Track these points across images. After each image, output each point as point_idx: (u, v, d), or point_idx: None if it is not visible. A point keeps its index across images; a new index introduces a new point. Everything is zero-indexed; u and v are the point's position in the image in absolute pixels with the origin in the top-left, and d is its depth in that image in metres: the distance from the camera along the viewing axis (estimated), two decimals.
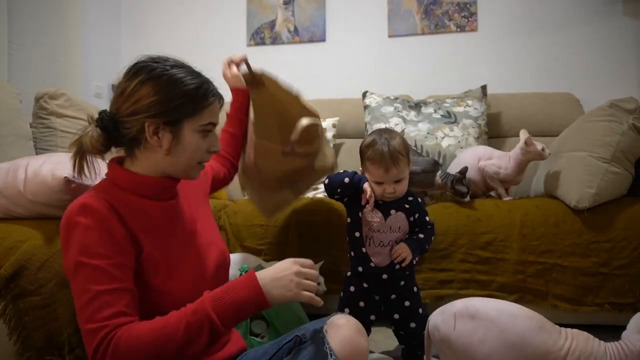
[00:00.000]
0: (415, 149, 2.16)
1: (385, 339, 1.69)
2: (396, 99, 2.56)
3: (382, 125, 2.44)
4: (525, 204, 1.88)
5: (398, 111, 2.48)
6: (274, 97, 1.52)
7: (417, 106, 2.51)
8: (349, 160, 2.52)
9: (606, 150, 1.78)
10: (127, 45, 3.18)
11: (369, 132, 2.49)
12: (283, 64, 2.99)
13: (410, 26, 2.90)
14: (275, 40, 3.06)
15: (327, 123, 2.55)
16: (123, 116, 0.98)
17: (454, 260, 1.80)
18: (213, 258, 1.08)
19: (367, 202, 1.39)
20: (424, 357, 1.40)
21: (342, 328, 0.97)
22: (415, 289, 1.46)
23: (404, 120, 2.44)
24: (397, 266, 1.40)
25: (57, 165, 1.46)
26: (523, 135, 1.97)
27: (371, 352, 1.61)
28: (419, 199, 1.47)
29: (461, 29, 2.84)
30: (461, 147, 2.33)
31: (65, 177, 1.41)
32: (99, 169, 1.02)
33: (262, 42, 3.08)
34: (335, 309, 1.50)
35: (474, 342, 1.14)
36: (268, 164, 1.49)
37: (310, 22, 3.02)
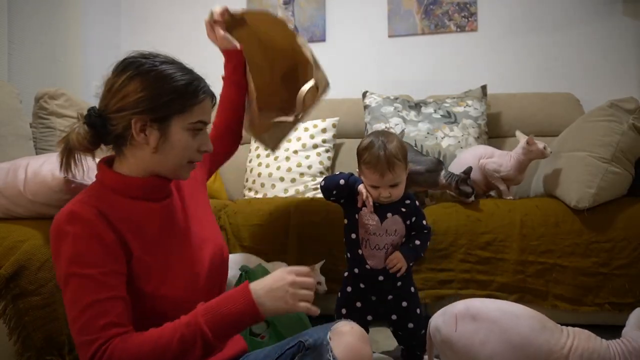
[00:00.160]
0: (417, 149, 2.16)
1: (385, 339, 1.69)
2: (396, 99, 2.56)
3: (382, 126, 2.44)
4: (525, 204, 1.88)
5: (398, 111, 2.48)
6: (261, 33, 1.47)
7: (417, 106, 2.51)
8: (349, 161, 2.52)
9: (606, 150, 1.78)
10: (128, 45, 3.18)
11: (368, 132, 2.49)
12: None
13: (410, 26, 2.90)
14: None
15: (327, 123, 2.55)
16: (111, 112, 0.95)
17: (454, 260, 1.80)
18: (208, 255, 1.06)
19: (364, 205, 1.38)
20: (426, 358, 1.41)
21: (346, 335, 0.95)
22: (412, 289, 1.45)
23: (404, 120, 2.44)
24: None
25: (57, 165, 1.46)
26: (520, 136, 1.97)
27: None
28: (417, 203, 1.45)
29: (461, 29, 2.84)
30: (461, 147, 2.33)
31: (65, 177, 1.41)
32: (87, 167, 1.00)
33: None
34: (334, 308, 1.50)
35: (476, 343, 1.14)
36: (271, 106, 1.49)
37: (310, 22, 3.02)
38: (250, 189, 2.49)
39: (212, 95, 1.04)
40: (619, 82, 2.64)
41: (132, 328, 0.87)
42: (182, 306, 0.93)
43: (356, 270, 1.43)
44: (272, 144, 1.71)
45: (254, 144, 2.62)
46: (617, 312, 1.70)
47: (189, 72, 1.00)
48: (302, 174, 2.42)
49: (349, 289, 1.46)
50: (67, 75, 2.66)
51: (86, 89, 2.79)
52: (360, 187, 1.38)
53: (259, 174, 2.47)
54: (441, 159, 2.35)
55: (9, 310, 1.24)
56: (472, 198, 1.88)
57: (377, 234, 1.39)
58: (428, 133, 2.38)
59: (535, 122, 2.47)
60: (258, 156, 2.54)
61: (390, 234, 1.40)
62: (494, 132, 2.53)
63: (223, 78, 1.45)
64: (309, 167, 2.44)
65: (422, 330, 1.42)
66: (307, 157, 2.46)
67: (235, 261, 1.69)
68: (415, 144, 2.34)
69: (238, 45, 1.44)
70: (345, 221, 1.45)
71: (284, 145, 2.50)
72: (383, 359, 1.60)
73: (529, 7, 2.77)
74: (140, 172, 0.99)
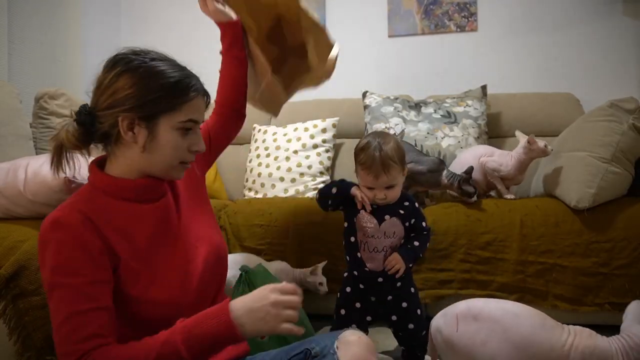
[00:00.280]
0: (419, 149, 2.16)
1: (385, 339, 1.69)
2: (396, 99, 2.56)
3: (382, 126, 2.44)
4: (525, 204, 1.88)
5: (398, 111, 2.48)
6: None
7: (417, 106, 2.51)
8: (349, 161, 2.52)
9: (606, 150, 1.78)
10: (128, 45, 3.16)
11: (368, 132, 2.49)
12: None
13: (410, 26, 2.90)
14: None
15: (327, 123, 2.55)
16: (99, 110, 0.93)
17: (454, 260, 1.80)
18: (202, 255, 1.02)
19: (364, 207, 1.37)
20: (427, 359, 1.40)
21: (353, 346, 0.93)
22: (412, 289, 1.45)
23: (404, 120, 2.44)
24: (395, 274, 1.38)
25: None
26: (520, 136, 1.97)
27: None
28: (416, 204, 1.44)
29: (461, 29, 2.84)
30: (461, 147, 2.33)
31: (66, 177, 1.41)
32: (79, 165, 0.99)
33: None
34: (333, 308, 1.50)
35: (477, 343, 1.14)
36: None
37: None
38: (250, 189, 2.49)
39: (205, 94, 1.00)
40: (619, 82, 2.64)
41: (113, 340, 0.84)
42: (173, 309, 0.91)
43: (355, 272, 1.43)
44: (276, 110, 1.61)
45: (254, 144, 2.62)
46: (617, 312, 1.69)
47: (181, 69, 0.97)
48: (302, 174, 2.42)
49: (348, 289, 1.45)
50: (67, 75, 2.66)
51: (86, 89, 2.79)
52: (354, 190, 1.37)
53: (259, 174, 2.47)
54: (441, 158, 2.35)
55: (9, 310, 1.24)
56: (475, 198, 1.88)
57: (375, 237, 1.39)
58: (428, 133, 2.38)
59: (535, 122, 2.47)
60: (258, 156, 2.54)
61: (388, 236, 1.39)
62: (494, 132, 2.53)
63: (221, 53, 1.36)
64: (309, 167, 2.44)
65: (422, 331, 1.41)
66: (307, 157, 2.46)
67: (236, 261, 1.69)
68: (415, 144, 2.34)
69: (234, 16, 1.36)
70: (345, 224, 1.45)
71: (284, 145, 2.50)
72: (383, 359, 1.60)
73: (529, 7, 2.77)
74: (132, 173, 0.97)
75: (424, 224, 1.44)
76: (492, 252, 1.78)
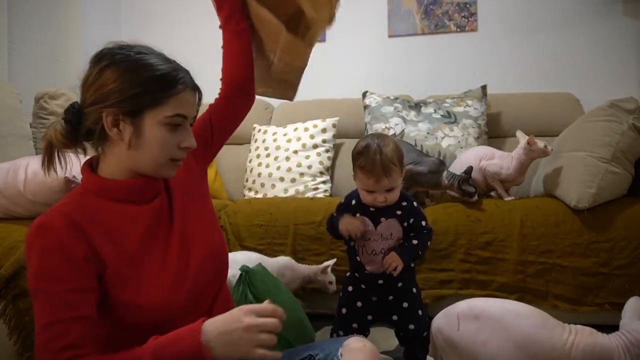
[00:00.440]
0: (419, 149, 2.16)
1: (385, 339, 1.69)
2: (396, 99, 2.56)
3: (382, 126, 2.44)
4: (525, 204, 1.88)
5: (398, 111, 2.48)
6: None
7: (417, 106, 2.51)
8: (348, 161, 2.51)
9: (606, 150, 1.78)
10: None
11: (368, 132, 2.49)
12: None
13: (410, 26, 2.90)
14: None
15: (327, 123, 2.55)
16: (85, 107, 0.90)
17: (454, 260, 1.80)
18: (197, 256, 0.97)
19: (361, 212, 1.37)
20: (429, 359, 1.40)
21: (358, 353, 0.92)
22: (414, 290, 1.45)
23: (404, 120, 2.44)
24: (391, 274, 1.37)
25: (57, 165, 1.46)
26: (521, 136, 1.97)
27: None
28: (415, 203, 1.43)
29: (461, 29, 2.84)
30: (461, 147, 2.33)
31: (66, 177, 1.41)
32: (72, 164, 0.96)
33: None
34: (332, 307, 1.50)
35: (478, 342, 1.14)
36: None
37: None
38: (250, 189, 2.50)
39: (195, 87, 0.95)
40: (619, 82, 2.64)
41: (92, 350, 0.82)
42: (163, 314, 0.89)
43: (357, 274, 1.43)
44: (292, 89, 1.43)
45: (254, 144, 2.62)
46: (617, 312, 1.68)
47: (168, 62, 0.93)
48: (302, 174, 2.42)
49: (350, 288, 1.46)
50: (67, 75, 2.66)
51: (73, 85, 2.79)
52: (341, 228, 1.37)
53: (259, 174, 2.47)
54: (441, 158, 2.35)
55: (9, 310, 1.24)
56: (476, 197, 1.88)
57: (372, 239, 1.39)
58: (428, 133, 2.38)
59: (535, 122, 2.47)
60: (258, 156, 2.54)
61: (385, 238, 1.39)
62: (494, 132, 2.53)
63: (220, 28, 1.24)
64: (309, 167, 2.44)
65: (424, 332, 1.41)
66: (307, 157, 2.46)
67: (236, 260, 1.69)
68: (415, 144, 2.34)
69: None
70: None
71: (284, 145, 2.50)
72: (383, 359, 1.60)
73: (529, 7, 2.77)
74: (122, 172, 0.93)
75: (423, 223, 1.42)
76: (492, 252, 1.78)
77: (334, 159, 2.57)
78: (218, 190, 2.59)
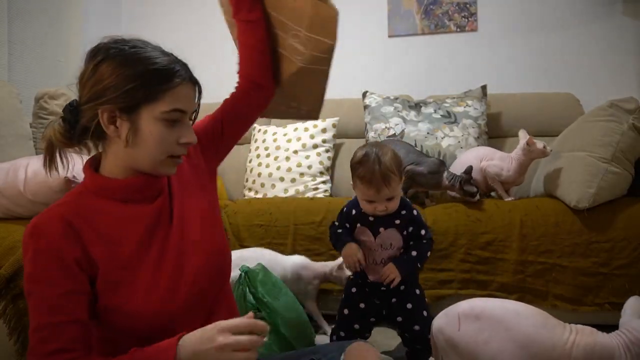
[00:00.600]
0: (419, 150, 2.16)
1: (385, 339, 1.69)
2: (396, 99, 2.56)
3: (382, 126, 2.44)
4: (525, 204, 1.88)
5: (398, 111, 2.48)
6: None
7: (417, 106, 2.51)
8: (348, 161, 2.52)
9: (606, 150, 1.78)
10: None
11: (368, 132, 2.50)
12: None
13: (410, 26, 2.90)
14: None
15: (327, 123, 2.55)
16: (82, 104, 0.88)
17: (454, 260, 1.80)
18: (195, 262, 0.93)
19: (362, 221, 1.39)
20: None
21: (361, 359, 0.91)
22: (417, 291, 1.45)
23: (404, 120, 2.44)
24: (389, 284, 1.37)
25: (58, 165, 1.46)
26: (522, 135, 1.97)
27: None
28: (414, 211, 1.42)
29: (461, 29, 2.84)
30: (461, 147, 2.33)
31: (66, 177, 1.41)
32: (74, 163, 0.93)
33: None
34: (335, 307, 1.50)
35: (479, 342, 1.14)
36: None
37: None
38: (250, 189, 2.50)
39: (193, 81, 0.92)
40: (619, 82, 2.64)
41: (84, 352, 0.81)
42: (156, 319, 0.87)
43: (360, 281, 1.44)
44: (317, 103, 1.29)
45: (254, 144, 2.62)
46: (617, 312, 1.67)
47: (165, 55, 0.90)
48: (302, 174, 2.42)
49: (353, 289, 1.46)
50: (67, 75, 2.66)
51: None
52: (343, 255, 1.39)
53: (259, 174, 2.47)
54: (441, 159, 2.35)
55: (9, 310, 1.24)
56: (478, 197, 1.88)
57: (372, 249, 1.40)
58: (428, 133, 2.39)
59: (535, 122, 2.47)
60: (258, 156, 2.54)
61: (385, 247, 1.39)
62: (494, 132, 2.54)
63: (232, 18, 1.17)
64: (309, 167, 2.44)
65: (429, 334, 1.41)
66: (307, 157, 2.46)
67: (248, 257, 1.68)
68: (415, 144, 2.34)
69: None
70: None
71: (284, 145, 2.50)
72: (383, 358, 1.60)
73: (529, 7, 2.77)
74: (121, 171, 0.91)
75: (423, 231, 1.41)
76: (492, 252, 1.78)
77: (334, 159, 2.58)
78: (218, 191, 2.59)
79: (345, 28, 3.09)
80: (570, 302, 1.74)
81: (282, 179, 2.42)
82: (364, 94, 2.63)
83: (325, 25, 1.10)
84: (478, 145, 2.33)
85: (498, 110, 2.57)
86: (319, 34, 1.10)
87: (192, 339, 0.78)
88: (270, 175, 2.44)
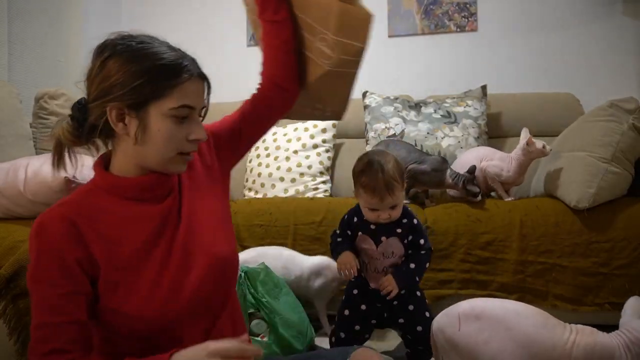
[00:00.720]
0: (420, 148, 2.16)
1: (385, 339, 1.69)
2: (396, 99, 2.56)
3: (382, 126, 2.44)
4: (525, 204, 1.88)
5: (398, 111, 2.48)
6: None
7: (417, 106, 2.51)
8: (348, 161, 2.52)
9: (606, 150, 1.78)
10: None
11: (368, 132, 2.50)
12: None
13: (410, 26, 2.90)
14: None
15: (327, 123, 2.55)
16: (91, 102, 0.87)
17: (454, 260, 1.80)
18: (200, 267, 0.90)
19: (363, 230, 1.39)
20: None
21: None
22: (418, 293, 1.46)
23: (404, 120, 2.44)
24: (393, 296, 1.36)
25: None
26: (524, 134, 1.97)
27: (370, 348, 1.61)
28: (415, 220, 1.42)
29: (461, 29, 2.84)
30: (461, 147, 2.33)
31: (66, 177, 1.41)
32: (82, 163, 0.92)
33: None
34: (335, 307, 1.50)
35: (480, 342, 1.14)
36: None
37: None
38: (250, 189, 2.50)
39: (201, 76, 0.90)
40: (619, 82, 2.64)
41: (83, 353, 0.81)
42: (156, 323, 0.86)
43: (361, 284, 1.44)
44: (343, 105, 1.27)
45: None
46: (617, 312, 1.67)
47: (172, 50, 0.88)
48: (302, 174, 2.42)
49: (355, 291, 1.46)
50: (67, 75, 2.66)
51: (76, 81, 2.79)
52: (338, 263, 1.38)
53: (259, 174, 2.47)
54: (444, 157, 2.35)
55: (9, 310, 1.24)
56: (480, 197, 1.88)
57: (374, 258, 1.40)
58: (428, 133, 2.39)
59: (535, 122, 2.47)
60: (258, 156, 2.54)
61: (387, 256, 1.40)
62: (494, 132, 2.54)
63: (258, 17, 1.11)
64: (309, 167, 2.44)
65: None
66: (307, 157, 2.46)
67: (267, 254, 1.69)
68: (415, 144, 2.34)
69: None
70: None
71: (284, 145, 2.50)
72: (383, 358, 1.60)
73: (529, 7, 2.77)
74: (131, 169, 0.89)
75: (422, 241, 1.41)
76: (492, 252, 1.78)
77: (334, 159, 2.58)
78: None
79: None
80: (570, 302, 1.74)
81: (282, 179, 2.42)
82: (364, 94, 2.63)
83: (355, 29, 1.05)
84: (478, 145, 2.33)
85: (498, 110, 2.57)
86: (347, 37, 1.04)
87: (181, 358, 0.77)
88: (270, 175, 2.44)
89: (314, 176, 2.43)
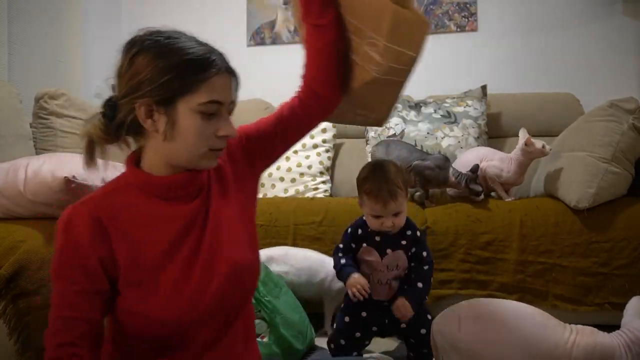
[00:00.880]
0: (420, 149, 2.16)
1: (385, 339, 1.69)
2: None
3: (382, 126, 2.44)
4: (525, 204, 1.88)
5: (398, 111, 2.48)
6: None
7: (417, 106, 2.51)
8: (348, 161, 2.52)
9: (606, 150, 1.78)
10: None
11: (368, 132, 2.50)
12: (283, 64, 2.98)
13: None
14: (275, 41, 3.06)
15: (327, 123, 2.55)
16: (119, 99, 0.86)
17: (454, 260, 1.80)
18: (221, 275, 0.89)
19: (367, 241, 1.39)
20: None
21: None
22: None
23: (404, 120, 2.44)
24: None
25: (57, 165, 1.46)
26: (522, 134, 1.97)
27: (371, 352, 1.61)
28: (419, 232, 1.43)
29: (461, 29, 2.84)
30: (461, 147, 2.33)
31: (65, 177, 1.41)
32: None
33: (262, 42, 3.07)
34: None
35: (480, 343, 1.14)
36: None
37: None
38: None
39: (230, 71, 0.88)
40: (619, 82, 2.64)
41: (87, 350, 0.81)
42: (174, 326, 0.85)
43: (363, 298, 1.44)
44: (387, 112, 1.17)
45: None
46: (617, 312, 1.68)
47: (200, 45, 0.87)
48: (302, 174, 2.42)
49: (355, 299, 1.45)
50: (67, 75, 2.66)
51: (86, 89, 2.79)
52: (348, 286, 1.37)
53: None
54: (445, 155, 2.34)
55: (9, 310, 1.24)
56: (482, 196, 1.89)
57: (378, 270, 1.40)
58: (428, 133, 2.39)
59: (535, 122, 2.47)
60: None
61: (391, 269, 1.40)
62: (494, 132, 2.54)
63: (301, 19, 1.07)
64: (309, 167, 2.44)
65: None
66: (307, 157, 2.46)
67: (296, 256, 1.72)
68: (415, 144, 2.34)
69: None
70: None
71: None
72: (383, 358, 1.60)
73: (529, 7, 2.77)
74: (162, 167, 0.89)
75: (424, 254, 1.42)
76: (492, 252, 1.78)
77: (334, 159, 2.57)
78: None
79: None
80: (571, 302, 1.74)
81: (282, 179, 2.42)
82: None
83: (408, 35, 0.96)
84: (478, 145, 2.33)
85: (498, 110, 2.57)
86: (400, 45, 0.96)
87: None
88: (270, 175, 2.44)
89: (314, 176, 2.43)
